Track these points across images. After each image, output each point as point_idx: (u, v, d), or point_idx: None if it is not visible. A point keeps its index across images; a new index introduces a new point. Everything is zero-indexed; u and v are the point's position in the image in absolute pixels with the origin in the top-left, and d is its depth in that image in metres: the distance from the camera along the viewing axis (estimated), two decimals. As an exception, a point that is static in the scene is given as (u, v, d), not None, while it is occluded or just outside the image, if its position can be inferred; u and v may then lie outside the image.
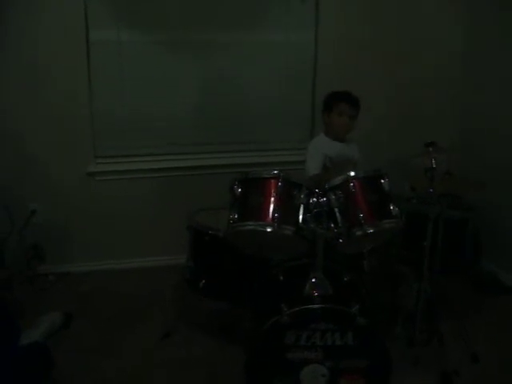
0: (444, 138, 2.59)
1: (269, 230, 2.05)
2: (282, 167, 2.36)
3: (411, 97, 3.78)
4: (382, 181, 2.18)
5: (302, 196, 2.12)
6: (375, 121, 3.65)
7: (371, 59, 3.65)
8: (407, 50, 3.69)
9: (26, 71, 3.21)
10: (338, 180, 2.17)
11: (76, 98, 3.32)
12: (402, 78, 3.72)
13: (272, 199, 2.08)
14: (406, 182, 3.20)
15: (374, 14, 3.60)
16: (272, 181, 2.12)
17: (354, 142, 3.00)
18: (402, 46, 3.68)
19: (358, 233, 2.10)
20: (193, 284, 2.66)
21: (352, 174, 2.17)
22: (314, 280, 2.19)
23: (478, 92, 3.70)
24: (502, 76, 3.45)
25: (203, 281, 2.60)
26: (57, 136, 3.35)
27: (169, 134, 3.58)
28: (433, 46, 3.73)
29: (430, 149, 2.44)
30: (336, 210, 2.13)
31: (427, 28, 3.69)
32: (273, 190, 2.10)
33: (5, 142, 3.27)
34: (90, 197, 3.50)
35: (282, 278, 2.41)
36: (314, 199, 2.14)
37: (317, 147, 2.91)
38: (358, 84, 3.34)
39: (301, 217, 2.10)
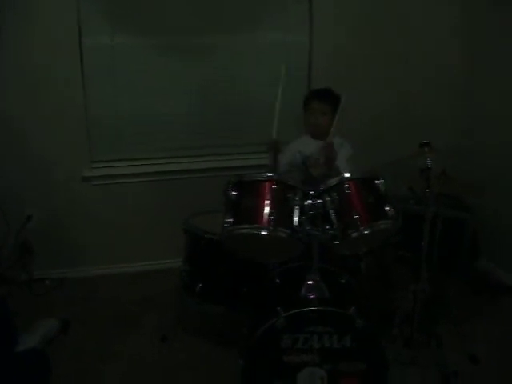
0: (443, 139, 2.57)
1: (264, 232, 2.04)
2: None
3: (409, 97, 3.77)
4: (377, 182, 2.16)
5: (297, 198, 2.10)
6: (372, 121, 3.65)
7: (367, 60, 3.63)
8: (404, 50, 3.67)
9: (20, 76, 3.19)
10: (332, 181, 2.16)
11: (71, 102, 3.31)
12: (399, 77, 3.71)
13: (267, 202, 2.07)
14: (404, 182, 3.18)
15: (371, 14, 3.59)
16: (266, 183, 2.11)
17: (342, 138, 2.85)
18: (398, 47, 3.66)
19: (354, 234, 2.08)
20: (189, 288, 2.64)
21: (347, 175, 2.16)
22: (310, 283, 2.18)
23: (478, 94, 3.68)
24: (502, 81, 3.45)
25: (200, 284, 2.59)
26: (52, 141, 3.34)
27: (164, 137, 3.56)
28: (431, 48, 3.71)
29: (426, 149, 2.43)
30: (331, 211, 2.12)
31: (425, 30, 3.67)
32: (267, 193, 2.09)
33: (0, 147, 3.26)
34: (85, 201, 3.49)
35: (278, 280, 2.41)
36: (309, 201, 2.13)
37: (292, 144, 2.99)
38: (354, 85, 3.36)
39: (296, 219, 2.08)
